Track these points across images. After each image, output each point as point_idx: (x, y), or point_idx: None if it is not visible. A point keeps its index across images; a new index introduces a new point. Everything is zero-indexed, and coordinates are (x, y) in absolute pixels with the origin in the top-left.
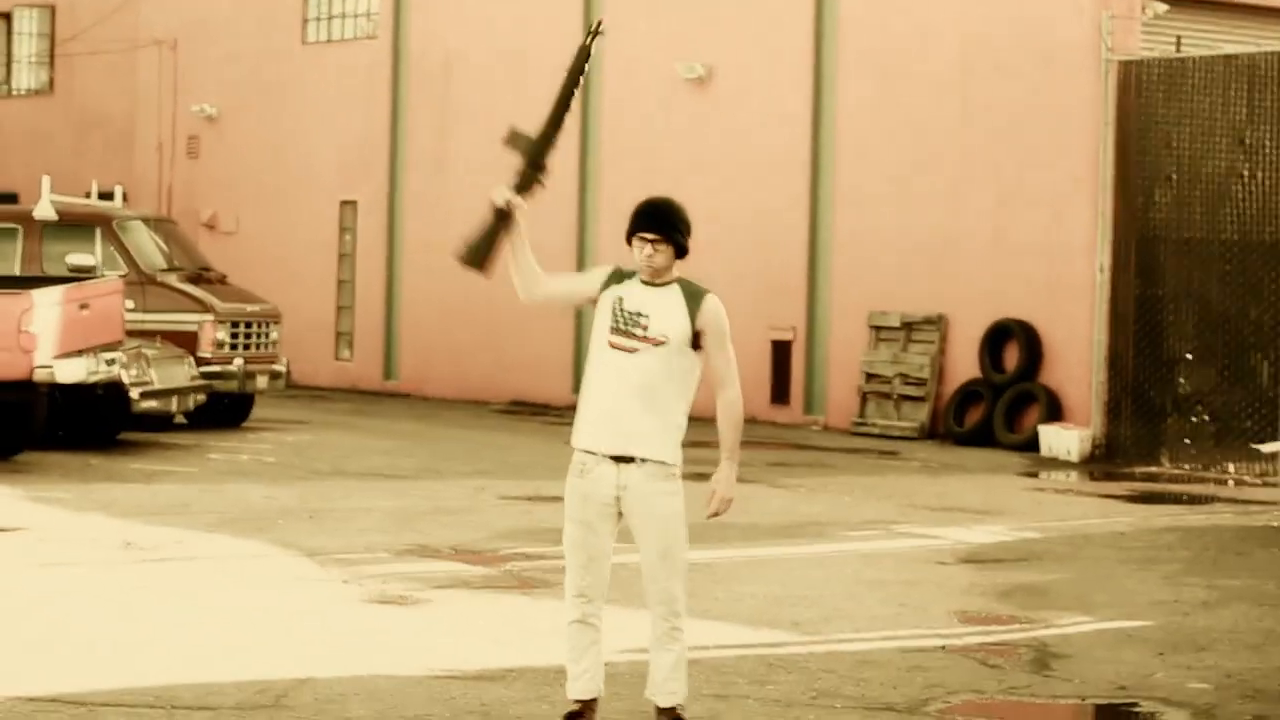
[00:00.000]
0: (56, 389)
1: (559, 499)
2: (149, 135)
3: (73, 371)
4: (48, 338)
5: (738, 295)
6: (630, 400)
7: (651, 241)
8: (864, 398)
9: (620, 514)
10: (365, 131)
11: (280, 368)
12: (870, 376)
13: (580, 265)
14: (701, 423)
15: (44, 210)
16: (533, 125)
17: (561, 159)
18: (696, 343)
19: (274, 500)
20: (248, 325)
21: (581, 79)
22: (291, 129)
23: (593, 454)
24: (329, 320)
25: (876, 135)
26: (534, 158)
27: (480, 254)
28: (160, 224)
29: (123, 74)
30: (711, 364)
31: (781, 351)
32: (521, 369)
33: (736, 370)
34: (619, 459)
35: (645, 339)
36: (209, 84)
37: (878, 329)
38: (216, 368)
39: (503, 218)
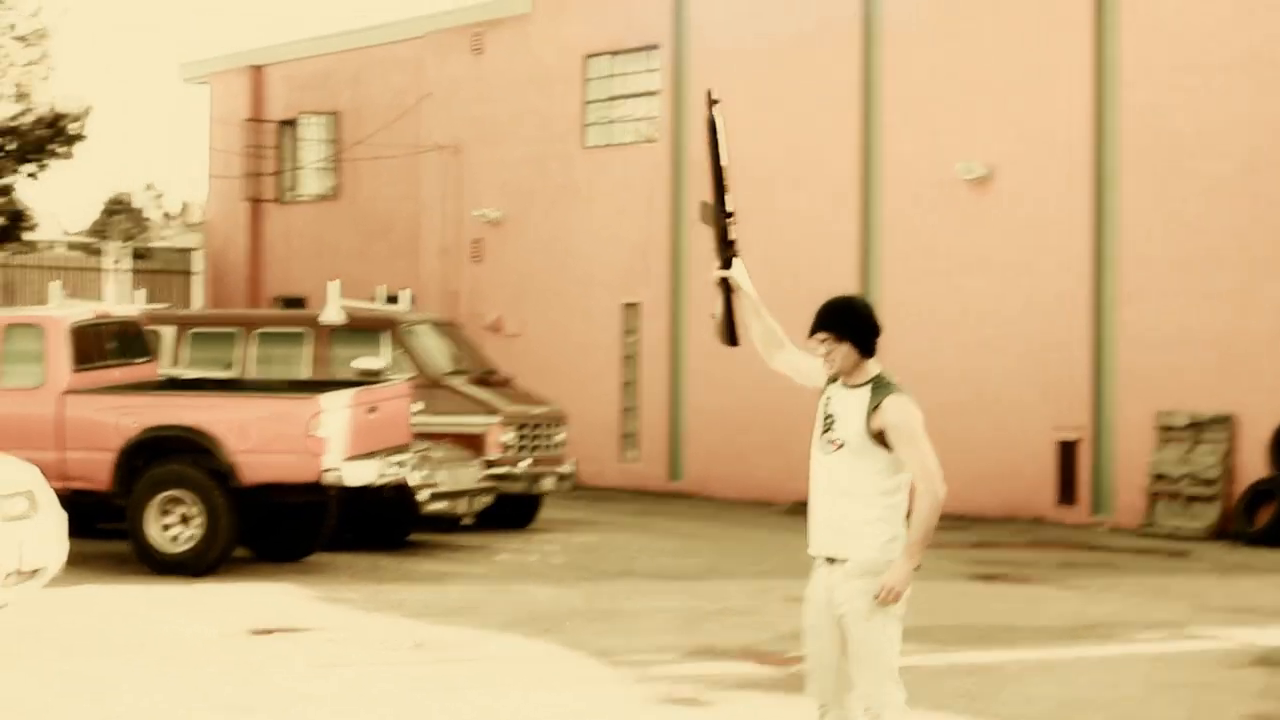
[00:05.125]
0: (346, 491)
1: None
2: (433, 239)
3: (362, 474)
4: (337, 441)
5: (1021, 395)
6: (829, 502)
7: (823, 341)
8: (1152, 498)
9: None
10: (647, 234)
11: (567, 469)
12: (1158, 477)
13: None
14: (991, 523)
15: (332, 315)
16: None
17: (841, 258)
18: (886, 442)
19: (562, 601)
20: (534, 427)
21: (721, 150)
22: (574, 232)
23: (815, 557)
24: (614, 421)
25: (1160, 232)
26: (718, 235)
27: (722, 329)
28: (446, 327)
29: (407, 179)
30: (903, 462)
31: (1068, 451)
32: (805, 471)
33: (931, 466)
34: (829, 560)
35: (831, 442)
36: (491, 188)
37: (1165, 429)
38: (503, 469)
39: (726, 290)
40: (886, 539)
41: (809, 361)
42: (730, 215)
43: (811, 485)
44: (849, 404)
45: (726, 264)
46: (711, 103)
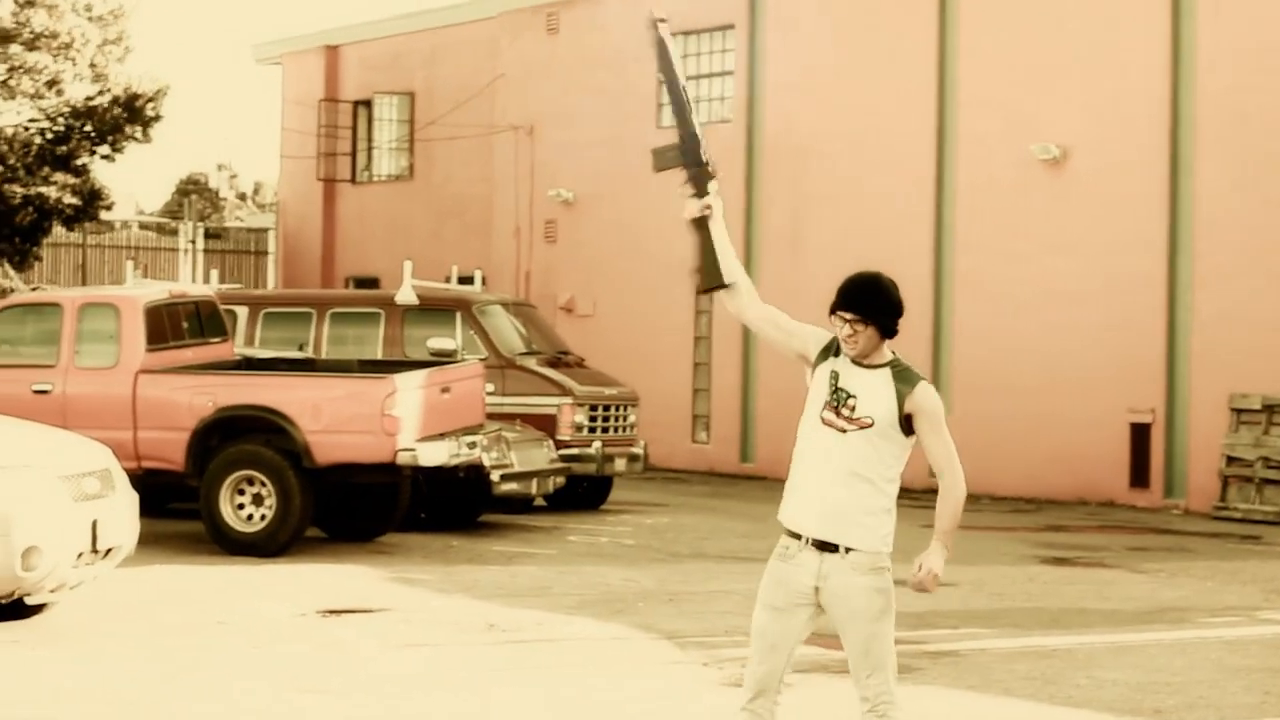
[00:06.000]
0: (419, 472)
1: None
2: (507, 220)
3: (435, 454)
4: (411, 421)
5: (1094, 377)
6: (837, 484)
7: (850, 321)
8: (1225, 481)
9: (819, 606)
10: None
11: (638, 450)
12: (1231, 460)
13: (936, 346)
14: (1062, 506)
15: (406, 295)
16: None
17: (915, 238)
18: (908, 428)
19: (633, 583)
20: (606, 408)
21: (673, 68)
22: (646, 212)
23: (797, 538)
24: (685, 403)
25: (1235, 214)
26: (689, 159)
27: (711, 272)
28: (519, 308)
29: (480, 159)
30: (929, 451)
31: (1140, 434)
32: None
33: (956, 456)
34: (823, 546)
35: (853, 420)
36: (565, 169)
37: (1239, 411)
38: (575, 450)
39: (704, 227)
40: (888, 531)
41: (785, 321)
42: (697, 136)
43: (805, 461)
44: (871, 384)
45: (702, 190)
46: (655, 22)
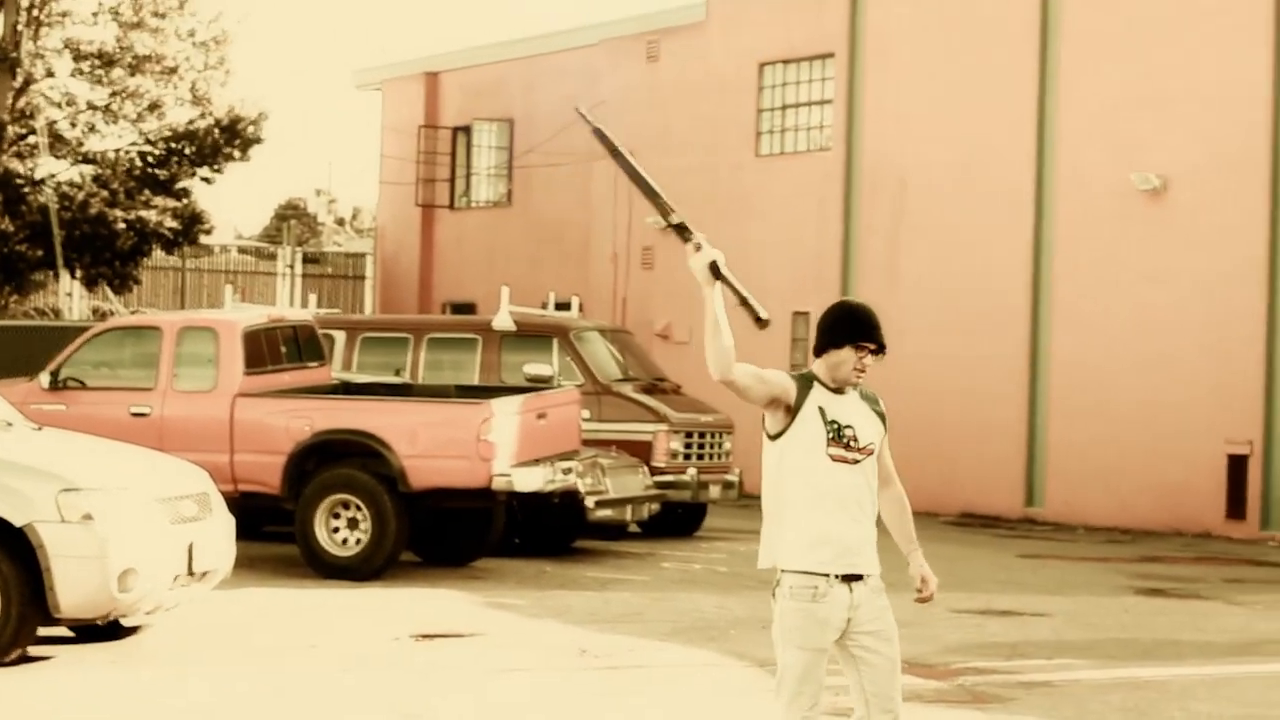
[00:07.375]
0: (514, 497)
1: (1011, 613)
2: (604, 246)
3: (530, 480)
4: (506, 446)
5: (1192, 407)
6: (854, 515)
7: (872, 352)
8: None
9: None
10: (818, 243)
11: (733, 478)
12: None
13: (1033, 375)
14: (1157, 537)
15: (503, 321)
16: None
17: (1013, 268)
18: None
19: (726, 610)
20: (701, 435)
21: (619, 154)
22: (745, 240)
23: (824, 576)
24: None
25: None
26: (678, 228)
27: (753, 310)
28: (615, 334)
29: (579, 186)
30: (883, 462)
31: (1237, 465)
32: (971, 481)
33: None
34: (849, 578)
35: (862, 450)
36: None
37: None
38: (670, 477)
39: (720, 275)
40: None
41: (760, 374)
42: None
43: (814, 498)
44: (857, 410)
45: (697, 246)
46: (583, 116)
